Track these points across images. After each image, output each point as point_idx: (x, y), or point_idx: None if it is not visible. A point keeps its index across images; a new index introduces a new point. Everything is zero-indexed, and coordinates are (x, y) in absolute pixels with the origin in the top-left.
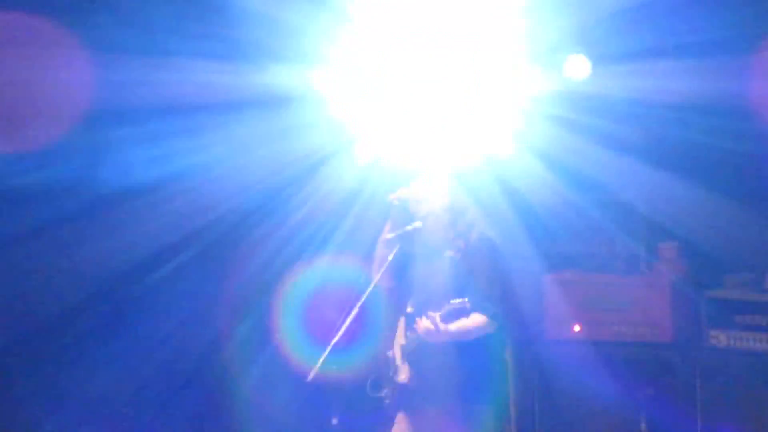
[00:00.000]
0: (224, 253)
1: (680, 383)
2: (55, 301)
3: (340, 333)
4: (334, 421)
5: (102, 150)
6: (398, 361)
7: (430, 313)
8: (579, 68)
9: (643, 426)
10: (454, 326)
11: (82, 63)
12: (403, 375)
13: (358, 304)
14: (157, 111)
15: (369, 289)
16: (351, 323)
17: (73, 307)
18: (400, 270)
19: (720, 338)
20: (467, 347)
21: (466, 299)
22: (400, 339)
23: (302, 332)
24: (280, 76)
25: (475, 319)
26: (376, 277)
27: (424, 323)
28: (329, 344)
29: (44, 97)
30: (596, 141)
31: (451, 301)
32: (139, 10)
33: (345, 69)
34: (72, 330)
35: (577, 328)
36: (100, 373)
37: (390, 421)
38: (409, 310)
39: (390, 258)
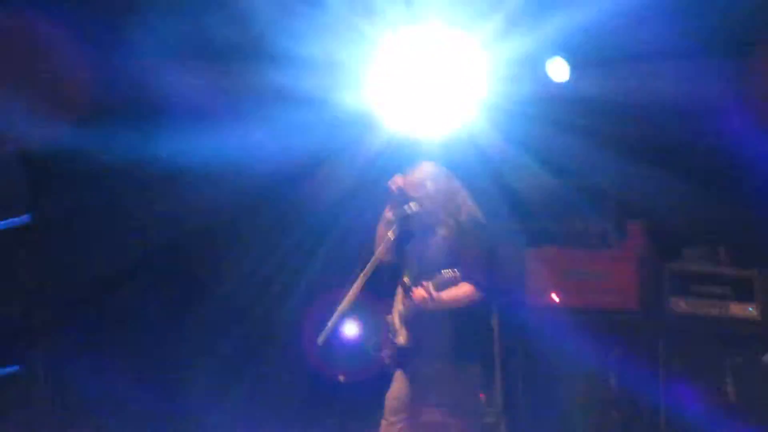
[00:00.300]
0: (251, 230)
1: (645, 344)
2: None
3: (347, 301)
4: (341, 378)
5: (152, 138)
6: (397, 325)
7: (425, 283)
8: (560, 71)
9: (612, 381)
10: (446, 295)
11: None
12: (401, 338)
13: (363, 276)
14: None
15: (373, 263)
16: (357, 292)
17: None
18: (399, 246)
19: (679, 305)
20: (458, 313)
21: (456, 270)
22: (398, 306)
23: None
24: (293, 76)
25: (464, 289)
26: (378, 253)
27: (419, 292)
28: (337, 311)
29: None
30: (572, 133)
31: (443, 272)
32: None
33: (356, 71)
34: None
35: (555, 296)
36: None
37: (389, 378)
38: (406, 280)
39: (391, 236)
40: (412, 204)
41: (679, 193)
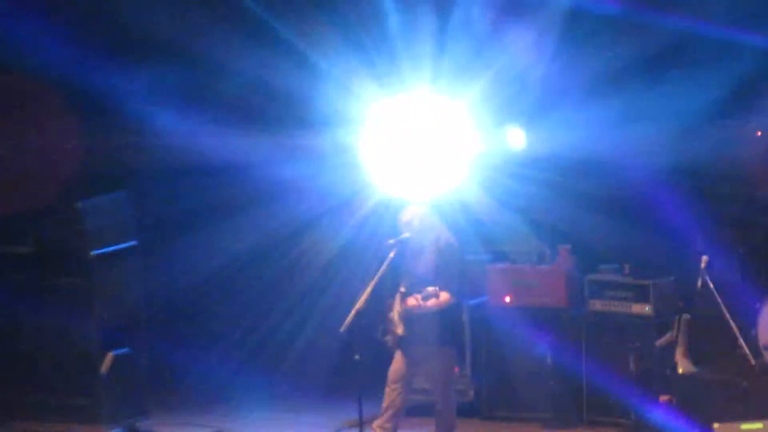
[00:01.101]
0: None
1: (571, 332)
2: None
3: (362, 301)
4: (357, 357)
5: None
6: (396, 320)
7: (415, 296)
8: (516, 137)
9: (548, 360)
10: (430, 303)
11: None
12: (399, 329)
13: (372, 284)
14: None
15: (379, 274)
16: (368, 295)
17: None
18: (397, 263)
19: (596, 305)
20: (439, 312)
21: (437, 287)
22: (397, 307)
23: None
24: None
25: (443, 297)
26: (383, 269)
27: (411, 301)
28: (354, 309)
29: None
30: (521, 181)
31: (428, 288)
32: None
33: (368, 135)
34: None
35: (507, 299)
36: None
37: (391, 357)
38: (402, 289)
39: (391, 256)
40: (405, 234)
41: (596, 225)
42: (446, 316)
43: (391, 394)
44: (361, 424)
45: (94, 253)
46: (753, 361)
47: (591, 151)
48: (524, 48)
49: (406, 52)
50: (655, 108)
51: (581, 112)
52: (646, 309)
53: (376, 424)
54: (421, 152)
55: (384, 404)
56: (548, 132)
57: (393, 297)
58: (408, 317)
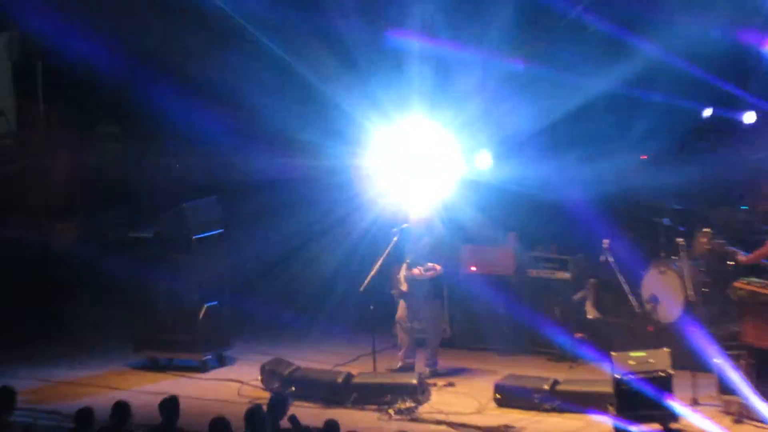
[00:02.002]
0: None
1: (516, 292)
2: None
3: (374, 270)
4: (371, 308)
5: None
6: (402, 281)
7: (419, 267)
8: (485, 159)
9: (501, 309)
10: (429, 273)
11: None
12: (403, 287)
13: (381, 259)
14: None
15: (385, 253)
16: (379, 266)
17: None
18: (399, 245)
19: (533, 272)
20: (431, 278)
21: (434, 264)
22: (403, 272)
23: None
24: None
25: (435, 268)
26: (388, 248)
27: (415, 270)
28: (370, 274)
29: None
30: (486, 190)
31: (428, 264)
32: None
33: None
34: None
35: (473, 268)
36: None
37: (398, 305)
38: (408, 261)
39: (394, 239)
40: (405, 224)
41: (534, 220)
42: (436, 280)
43: (399, 332)
44: (374, 353)
45: (194, 237)
46: (638, 310)
47: (533, 170)
48: (492, 94)
49: (405, 87)
50: (578, 144)
51: (530, 144)
52: (567, 275)
53: (399, 356)
54: (416, 168)
55: (399, 341)
56: (507, 157)
57: (400, 266)
58: (410, 280)
